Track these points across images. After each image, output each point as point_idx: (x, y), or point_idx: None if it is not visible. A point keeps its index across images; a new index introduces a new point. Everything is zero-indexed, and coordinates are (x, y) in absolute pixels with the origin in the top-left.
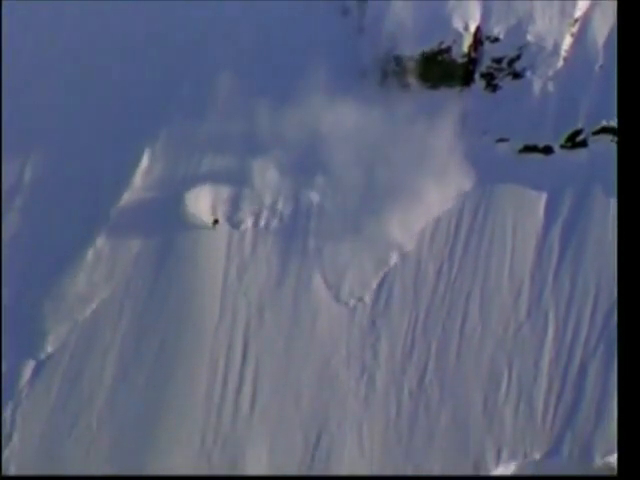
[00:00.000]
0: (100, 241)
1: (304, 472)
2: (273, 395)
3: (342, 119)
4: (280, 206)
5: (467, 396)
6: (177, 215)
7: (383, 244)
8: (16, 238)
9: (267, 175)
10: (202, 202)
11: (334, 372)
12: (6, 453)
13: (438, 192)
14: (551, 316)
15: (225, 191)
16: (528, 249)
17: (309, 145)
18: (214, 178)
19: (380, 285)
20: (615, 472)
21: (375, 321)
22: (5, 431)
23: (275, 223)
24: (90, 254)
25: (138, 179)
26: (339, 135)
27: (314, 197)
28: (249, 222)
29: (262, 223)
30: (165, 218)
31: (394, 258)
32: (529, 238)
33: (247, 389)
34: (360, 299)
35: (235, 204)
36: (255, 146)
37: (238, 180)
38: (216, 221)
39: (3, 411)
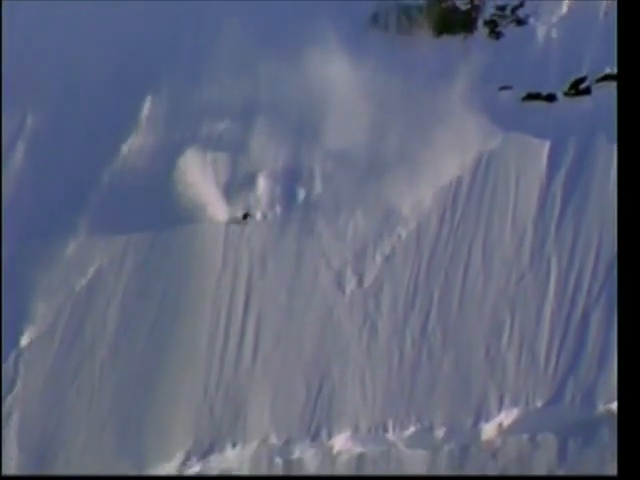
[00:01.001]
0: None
1: (306, 421)
2: (275, 345)
3: (345, 76)
4: (279, 174)
5: (469, 344)
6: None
7: (388, 218)
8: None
9: (266, 141)
10: (196, 166)
11: (336, 321)
12: (9, 400)
13: (455, 158)
14: (553, 265)
15: (222, 157)
16: (531, 198)
17: (310, 107)
18: (210, 143)
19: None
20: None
21: (377, 269)
22: (8, 379)
23: (275, 188)
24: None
25: (137, 136)
26: (343, 94)
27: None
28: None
29: (260, 187)
30: (164, 177)
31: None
32: (532, 187)
33: (249, 339)
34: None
35: (232, 170)
36: (255, 109)
37: (235, 146)
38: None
39: (5, 360)
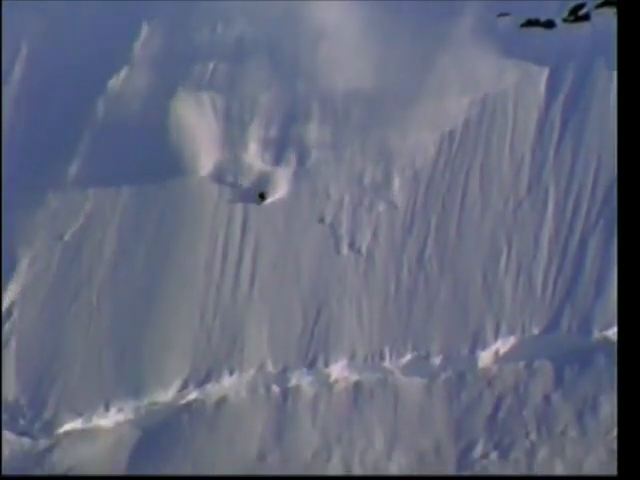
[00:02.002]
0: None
1: (303, 349)
2: (273, 271)
3: (344, 10)
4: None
5: (466, 271)
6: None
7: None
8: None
9: (260, 82)
10: (189, 108)
11: (333, 249)
12: (6, 327)
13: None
14: (551, 191)
15: (215, 98)
16: (529, 124)
17: (307, 44)
18: (203, 84)
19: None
20: (614, 345)
21: (374, 197)
22: (5, 306)
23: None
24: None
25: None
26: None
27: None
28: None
29: (255, 130)
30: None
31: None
32: (530, 113)
33: (246, 265)
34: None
35: (227, 112)
36: (248, 49)
37: (228, 88)
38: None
39: (4, 287)
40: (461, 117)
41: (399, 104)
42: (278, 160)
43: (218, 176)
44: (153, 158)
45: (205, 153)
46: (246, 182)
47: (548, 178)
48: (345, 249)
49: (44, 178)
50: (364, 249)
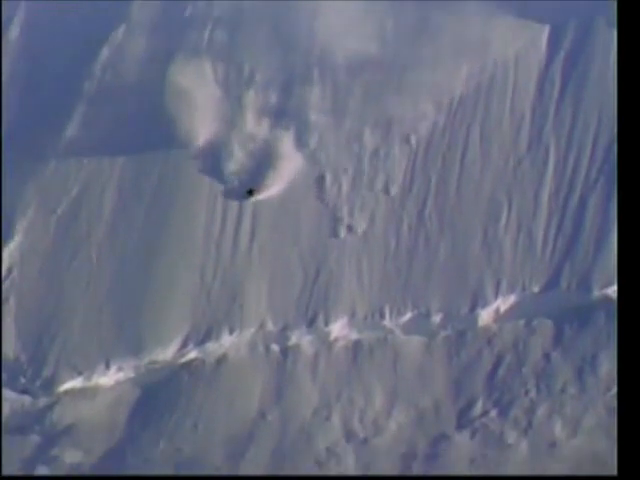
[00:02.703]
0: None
1: (303, 308)
2: (272, 230)
3: None
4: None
5: (466, 229)
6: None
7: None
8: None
9: (257, 49)
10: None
11: (333, 209)
12: (6, 284)
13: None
14: (552, 150)
15: (211, 64)
16: (530, 82)
17: (305, 10)
18: (199, 51)
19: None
20: (613, 303)
21: (374, 159)
22: (4, 265)
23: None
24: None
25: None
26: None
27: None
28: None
29: (252, 96)
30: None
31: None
32: (531, 71)
33: (246, 224)
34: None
35: (224, 78)
36: (243, 16)
37: (225, 54)
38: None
39: (4, 244)
40: (462, 77)
41: (399, 70)
42: (277, 127)
43: (216, 142)
44: (151, 123)
45: (203, 120)
46: (245, 149)
47: (548, 136)
48: (345, 210)
49: (43, 140)
50: (364, 209)
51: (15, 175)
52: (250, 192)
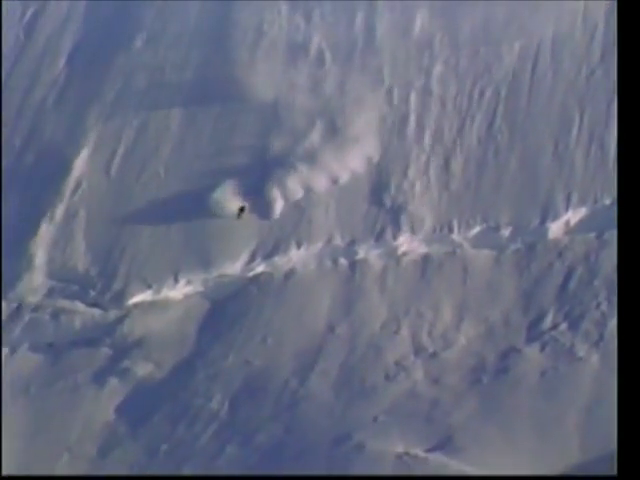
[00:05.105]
0: None
1: (371, 222)
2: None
3: None
4: None
5: (537, 141)
6: None
7: None
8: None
9: None
10: None
11: (399, 122)
12: (75, 198)
13: None
14: None
15: None
16: None
17: None
18: None
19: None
20: None
21: (441, 67)
22: (73, 178)
23: None
24: None
25: None
26: None
27: None
28: None
29: None
30: None
31: None
32: None
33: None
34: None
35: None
36: None
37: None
38: None
39: (74, 158)
40: None
41: None
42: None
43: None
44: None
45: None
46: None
47: None
48: (412, 123)
49: (110, 55)
50: (431, 122)
51: (83, 89)
52: (242, 209)
